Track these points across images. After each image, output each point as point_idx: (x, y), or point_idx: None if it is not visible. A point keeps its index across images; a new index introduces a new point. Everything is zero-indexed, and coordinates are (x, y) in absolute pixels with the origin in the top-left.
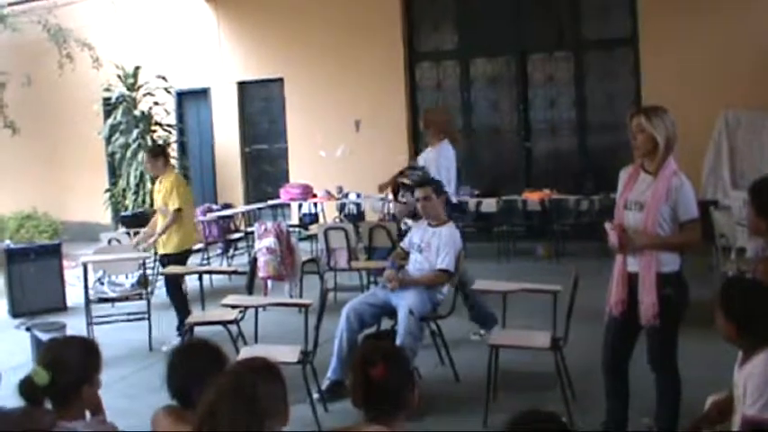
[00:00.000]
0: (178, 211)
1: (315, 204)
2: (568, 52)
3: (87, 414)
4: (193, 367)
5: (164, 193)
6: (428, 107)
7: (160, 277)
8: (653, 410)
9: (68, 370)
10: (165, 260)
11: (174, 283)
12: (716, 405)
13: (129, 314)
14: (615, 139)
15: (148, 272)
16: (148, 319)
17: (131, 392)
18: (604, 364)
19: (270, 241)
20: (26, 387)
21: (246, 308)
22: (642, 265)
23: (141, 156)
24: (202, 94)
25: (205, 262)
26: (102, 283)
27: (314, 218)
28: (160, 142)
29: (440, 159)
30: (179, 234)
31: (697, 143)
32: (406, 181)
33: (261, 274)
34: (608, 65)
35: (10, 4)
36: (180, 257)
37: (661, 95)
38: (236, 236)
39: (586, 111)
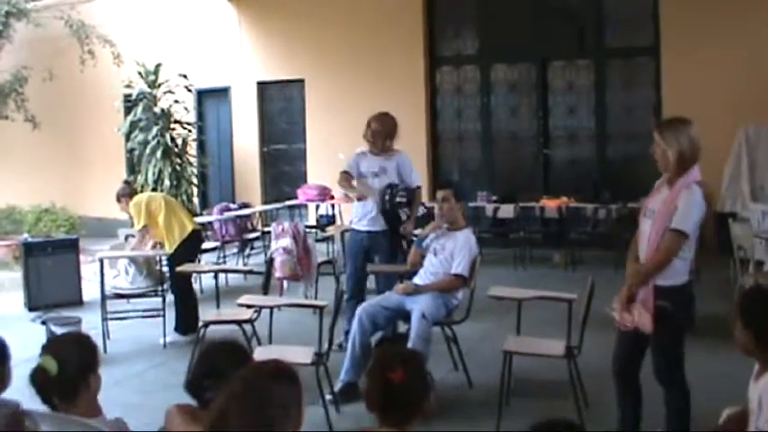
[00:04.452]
0: (143, 228)
1: (332, 206)
2: (589, 60)
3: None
4: (212, 367)
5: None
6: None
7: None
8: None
9: (72, 360)
10: (170, 261)
11: (181, 280)
12: (731, 418)
13: (143, 311)
14: (634, 149)
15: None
16: (163, 316)
17: (145, 389)
18: (614, 369)
19: (286, 242)
20: (38, 377)
21: (262, 308)
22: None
23: (160, 153)
24: (223, 93)
25: (221, 260)
26: (127, 273)
27: (331, 219)
28: (179, 141)
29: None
30: (166, 236)
31: (717, 155)
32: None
33: (277, 274)
34: (629, 74)
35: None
36: (180, 253)
37: (682, 106)
38: (253, 235)
39: (606, 119)
